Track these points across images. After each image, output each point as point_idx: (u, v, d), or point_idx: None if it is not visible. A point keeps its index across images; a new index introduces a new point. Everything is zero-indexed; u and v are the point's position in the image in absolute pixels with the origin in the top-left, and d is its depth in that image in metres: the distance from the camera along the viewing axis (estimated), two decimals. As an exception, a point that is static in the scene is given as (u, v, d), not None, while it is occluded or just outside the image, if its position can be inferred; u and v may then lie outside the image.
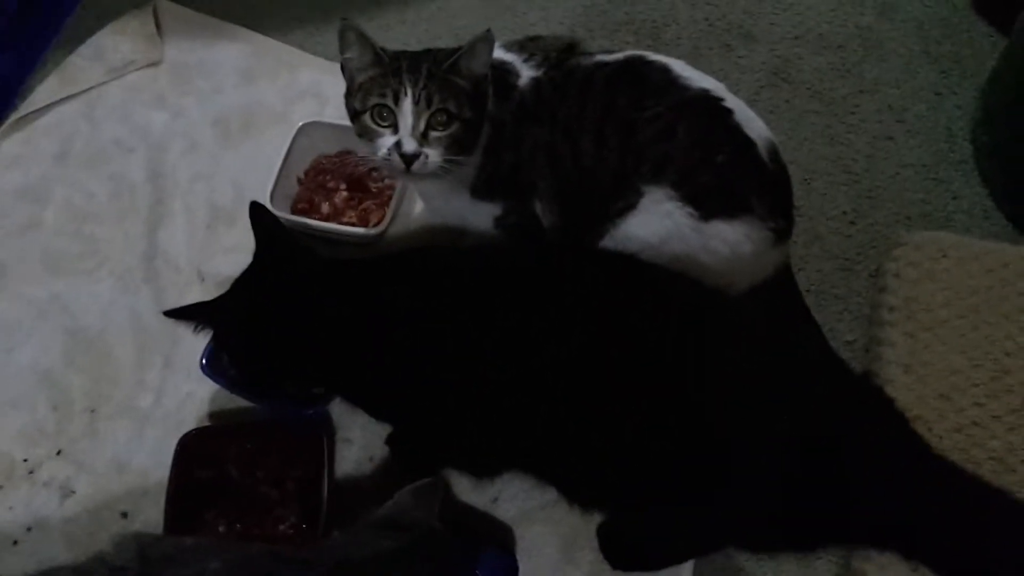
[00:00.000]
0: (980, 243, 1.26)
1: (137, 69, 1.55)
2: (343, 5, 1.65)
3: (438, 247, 1.24)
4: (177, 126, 1.50)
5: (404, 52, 1.10)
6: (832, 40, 1.57)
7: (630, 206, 1.09)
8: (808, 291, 1.31)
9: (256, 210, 1.09)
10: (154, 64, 1.56)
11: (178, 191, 1.43)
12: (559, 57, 1.17)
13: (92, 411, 1.25)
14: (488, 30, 1.05)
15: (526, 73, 1.15)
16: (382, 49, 1.08)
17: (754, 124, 1.11)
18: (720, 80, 1.05)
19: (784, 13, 1.60)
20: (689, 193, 1.06)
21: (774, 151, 1.11)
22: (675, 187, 1.07)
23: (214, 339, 1.09)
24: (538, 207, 1.16)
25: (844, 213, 1.39)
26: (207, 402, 1.23)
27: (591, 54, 1.17)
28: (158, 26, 1.60)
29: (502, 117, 1.12)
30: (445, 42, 1.56)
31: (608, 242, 1.11)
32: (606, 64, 1.13)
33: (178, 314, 1.05)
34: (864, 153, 1.45)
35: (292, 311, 1.02)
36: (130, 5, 1.62)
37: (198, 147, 1.48)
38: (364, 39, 1.07)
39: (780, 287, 1.20)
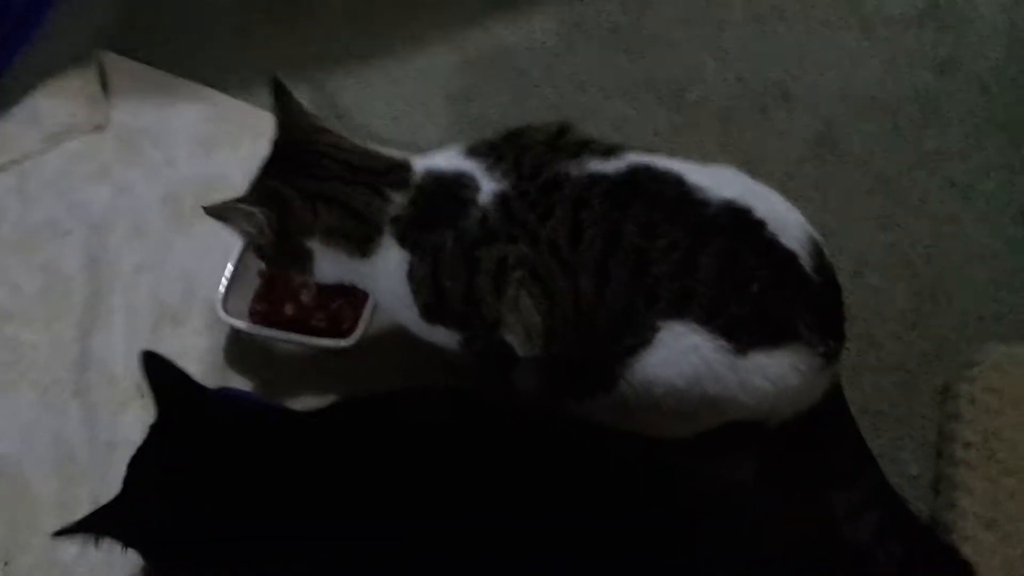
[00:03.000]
0: (1075, 362, 1.05)
1: (78, 135, 1.35)
2: (318, 58, 1.45)
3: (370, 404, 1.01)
4: (122, 204, 1.30)
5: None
6: (884, 102, 1.35)
7: (643, 342, 0.88)
8: (863, 412, 1.10)
9: (150, 362, 0.90)
10: (98, 129, 1.36)
11: (119, 284, 1.23)
12: (536, 160, 0.95)
13: (5, 564, 1.06)
14: None
15: (488, 187, 0.93)
16: None
17: (791, 227, 0.91)
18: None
19: (828, 72, 1.39)
20: (720, 326, 0.87)
21: (819, 255, 0.92)
22: (701, 321, 0.87)
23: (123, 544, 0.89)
24: (509, 337, 0.95)
25: (903, 314, 1.18)
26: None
27: (585, 142, 0.96)
28: (104, 85, 1.40)
29: (441, 241, 0.93)
30: (437, 103, 1.37)
31: (624, 388, 0.91)
32: (604, 177, 0.91)
33: (68, 532, 0.86)
34: (924, 241, 1.23)
35: (201, 493, 0.84)
36: (72, 61, 1.42)
37: (145, 230, 1.28)
38: None
39: (827, 411, 1.00)
